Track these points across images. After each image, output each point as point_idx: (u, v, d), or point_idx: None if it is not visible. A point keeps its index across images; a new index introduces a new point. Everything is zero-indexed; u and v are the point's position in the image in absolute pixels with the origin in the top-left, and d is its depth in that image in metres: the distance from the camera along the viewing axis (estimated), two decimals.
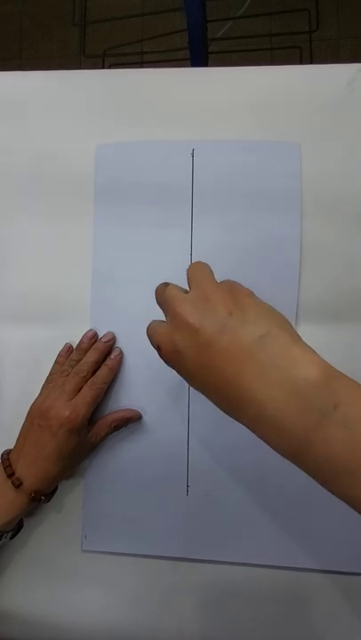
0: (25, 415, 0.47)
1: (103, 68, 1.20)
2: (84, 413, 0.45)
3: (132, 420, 0.48)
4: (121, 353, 0.49)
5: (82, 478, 0.49)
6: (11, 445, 0.47)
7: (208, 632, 0.47)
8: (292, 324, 0.47)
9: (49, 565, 0.49)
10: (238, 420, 0.32)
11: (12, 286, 0.52)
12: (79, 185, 0.51)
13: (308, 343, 0.47)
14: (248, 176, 0.49)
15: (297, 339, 0.32)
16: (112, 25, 1.40)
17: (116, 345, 0.49)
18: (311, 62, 1.20)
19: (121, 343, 0.49)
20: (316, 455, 0.29)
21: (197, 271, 0.37)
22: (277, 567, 0.47)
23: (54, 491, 0.48)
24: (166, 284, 0.37)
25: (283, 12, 1.39)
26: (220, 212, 0.49)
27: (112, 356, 0.48)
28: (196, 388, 0.34)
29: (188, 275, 0.37)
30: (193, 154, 0.50)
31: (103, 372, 0.48)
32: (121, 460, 0.49)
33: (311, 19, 1.14)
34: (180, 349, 0.33)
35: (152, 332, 0.36)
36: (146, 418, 0.49)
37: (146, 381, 0.49)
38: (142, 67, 0.62)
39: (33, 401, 0.47)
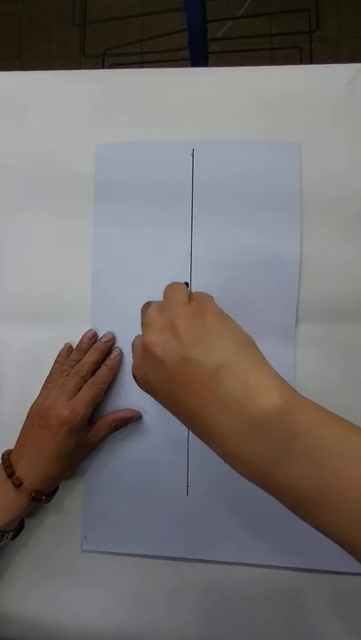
0: (25, 415, 0.47)
1: (103, 67, 1.20)
2: (83, 413, 0.45)
3: (132, 420, 0.48)
4: (121, 353, 0.49)
5: (82, 478, 0.49)
6: (11, 445, 0.47)
7: (208, 632, 0.47)
8: (293, 324, 0.48)
9: (49, 565, 0.49)
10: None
11: (12, 286, 0.52)
12: (79, 185, 0.51)
13: (309, 343, 0.48)
14: (248, 176, 0.49)
15: (256, 365, 0.32)
16: (112, 25, 1.40)
17: (116, 345, 0.49)
18: (311, 62, 1.20)
19: (121, 343, 0.49)
20: (278, 486, 0.29)
21: (170, 293, 0.38)
22: (277, 567, 0.47)
23: (55, 491, 0.48)
24: (148, 305, 0.39)
25: (283, 12, 1.39)
26: (220, 212, 0.49)
27: (112, 356, 0.48)
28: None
29: (164, 293, 0.39)
30: (193, 154, 0.50)
31: (103, 371, 0.48)
32: (121, 460, 0.49)
33: (311, 19, 1.14)
34: (150, 382, 0.35)
35: (134, 362, 0.38)
36: (146, 418, 0.49)
37: None
38: (142, 67, 0.62)
39: (33, 401, 0.47)
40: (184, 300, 0.36)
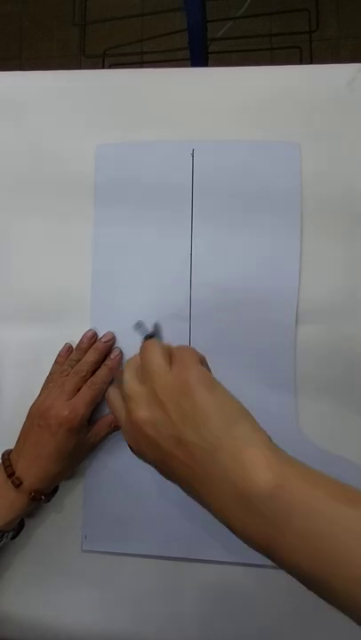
0: (25, 415, 0.47)
1: (103, 67, 1.20)
2: (83, 413, 0.45)
3: None
4: (121, 353, 0.49)
5: (82, 478, 0.49)
6: (11, 445, 0.47)
7: (208, 632, 0.47)
8: (293, 324, 0.48)
9: (49, 565, 0.49)
10: None
11: (12, 286, 0.52)
12: (79, 185, 0.51)
13: (308, 343, 0.47)
14: (248, 176, 0.49)
15: (249, 440, 0.32)
16: (112, 25, 1.40)
17: (116, 345, 0.49)
18: (311, 62, 1.20)
19: (121, 343, 0.49)
20: (280, 559, 0.29)
21: (146, 358, 0.36)
22: (277, 567, 0.47)
23: (55, 490, 0.48)
24: (125, 371, 0.37)
25: (283, 12, 1.39)
26: (220, 212, 0.49)
27: (112, 356, 0.48)
28: None
29: (140, 355, 0.37)
30: (193, 154, 0.50)
31: (103, 371, 0.48)
32: (121, 460, 0.49)
33: (311, 19, 1.14)
34: (147, 458, 0.35)
35: (121, 428, 0.37)
36: None
37: None
38: (142, 67, 0.63)
39: (33, 401, 0.47)
40: (164, 366, 0.35)
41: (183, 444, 0.32)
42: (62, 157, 0.52)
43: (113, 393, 0.39)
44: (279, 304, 0.48)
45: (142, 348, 0.37)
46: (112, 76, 0.54)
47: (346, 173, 0.49)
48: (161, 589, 0.48)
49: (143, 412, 0.34)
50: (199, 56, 0.94)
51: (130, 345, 0.49)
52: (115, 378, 0.47)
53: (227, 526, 0.31)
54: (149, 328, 0.41)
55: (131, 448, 0.37)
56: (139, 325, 0.41)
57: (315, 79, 0.50)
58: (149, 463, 0.36)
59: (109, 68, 1.19)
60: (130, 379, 0.36)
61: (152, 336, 0.40)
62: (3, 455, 0.47)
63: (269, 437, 0.32)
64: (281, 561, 0.29)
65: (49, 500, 0.47)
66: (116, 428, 0.48)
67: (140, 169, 0.51)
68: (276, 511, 0.29)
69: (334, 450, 0.46)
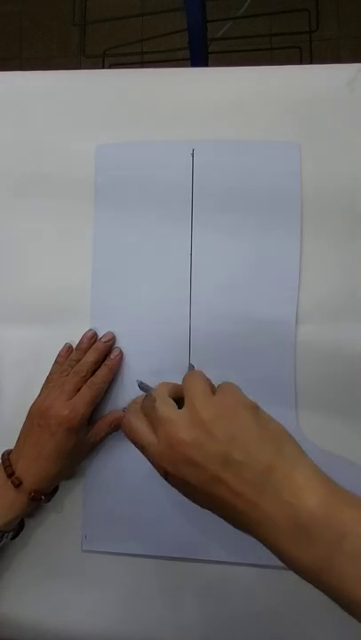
0: (25, 415, 0.47)
1: (103, 67, 1.20)
2: (82, 413, 0.45)
3: None
4: (121, 353, 0.49)
5: (82, 478, 0.49)
6: (11, 445, 0.47)
7: (208, 632, 0.47)
8: (293, 324, 0.48)
9: (49, 565, 0.49)
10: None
11: (12, 286, 0.52)
12: (79, 185, 0.51)
13: (308, 343, 0.47)
14: (248, 176, 0.49)
15: (298, 462, 0.32)
16: (112, 25, 1.40)
17: (116, 345, 0.49)
18: (311, 62, 1.20)
19: (121, 343, 0.49)
20: (329, 586, 0.29)
21: (190, 383, 0.36)
22: (277, 567, 0.47)
23: (55, 490, 0.48)
24: (151, 396, 0.37)
25: (283, 12, 1.39)
26: (220, 212, 0.49)
27: (112, 356, 0.48)
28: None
29: (183, 385, 0.37)
30: (193, 154, 0.50)
31: (103, 371, 0.48)
32: (121, 460, 0.49)
33: (311, 19, 1.14)
34: (189, 483, 0.33)
35: (150, 453, 0.36)
36: None
37: (145, 381, 0.48)
38: (142, 67, 0.63)
39: (33, 401, 0.47)
40: (208, 392, 0.35)
41: (232, 465, 0.31)
42: (62, 157, 0.52)
43: (136, 419, 0.37)
44: (279, 304, 0.48)
45: (186, 376, 0.37)
46: (112, 76, 0.54)
47: (346, 173, 0.49)
48: (161, 589, 0.48)
49: (185, 433, 0.33)
50: (199, 56, 0.94)
51: (130, 345, 0.49)
52: (132, 405, 0.42)
53: (276, 550, 0.30)
54: (151, 386, 0.41)
55: (166, 475, 0.35)
56: (141, 386, 0.42)
57: (315, 79, 0.50)
58: (185, 488, 0.34)
59: (109, 67, 1.19)
60: (163, 404, 0.35)
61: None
62: (2, 455, 0.47)
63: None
64: (328, 585, 0.29)
65: (49, 500, 0.47)
66: (116, 427, 0.48)
67: (140, 169, 0.51)
68: (330, 531, 0.28)
69: (334, 450, 0.46)
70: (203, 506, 0.34)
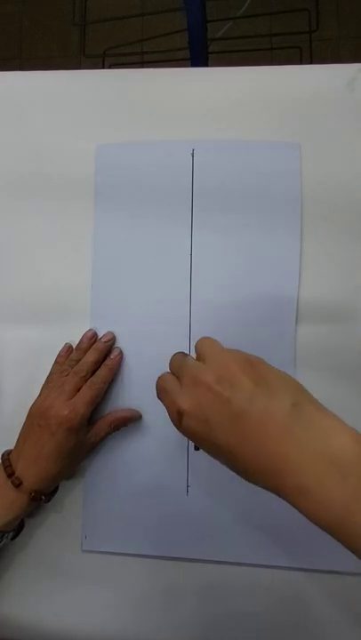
0: (25, 415, 0.47)
1: (103, 67, 1.20)
2: (82, 413, 0.45)
3: (131, 420, 0.48)
4: (121, 353, 0.49)
5: (82, 478, 0.49)
6: (11, 445, 0.47)
7: (208, 632, 0.47)
8: (293, 324, 0.48)
9: (49, 565, 0.49)
10: (274, 491, 0.31)
11: (11, 286, 0.52)
12: (79, 185, 0.51)
13: (309, 343, 0.47)
14: (248, 176, 0.49)
15: (320, 407, 0.32)
16: (112, 25, 1.40)
17: (116, 345, 0.49)
18: (311, 62, 1.20)
19: (121, 343, 0.49)
20: (355, 525, 0.28)
21: (208, 344, 0.36)
22: (277, 567, 0.47)
23: (55, 490, 0.48)
24: (179, 353, 0.38)
25: (283, 12, 1.39)
26: (220, 212, 0.49)
27: (112, 356, 0.48)
28: (223, 460, 0.33)
29: (197, 349, 0.37)
30: (193, 154, 0.50)
31: (103, 371, 0.48)
32: (121, 460, 0.49)
33: (311, 19, 1.14)
34: (209, 420, 0.32)
35: (171, 397, 0.35)
36: (146, 418, 0.49)
37: (146, 381, 0.48)
38: (142, 67, 0.62)
39: (33, 401, 0.47)
40: (225, 348, 0.36)
41: (259, 399, 0.31)
42: (62, 157, 0.52)
43: (165, 373, 0.38)
44: (279, 304, 0.48)
45: (199, 341, 0.37)
46: (112, 76, 0.54)
47: (346, 173, 0.49)
48: (161, 589, 0.48)
49: (213, 374, 0.33)
50: (199, 56, 0.94)
51: (130, 345, 0.49)
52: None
53: (301, 491, 0.29)
54: None
55: (181, 419, 0.33)
56: None
57: (315, 79, 0.50)
58: (206, 429, 0.32)
59: (109, 67, 1.19)
60: (190, 358, 0.36)
61: None
62: (2, 455, 0.47)
63: None
64: (354, 525, 0.28)
65: (49, 500, 0.47)
66: (116, 427, 0.48)
67: (140, 169, 0.51)
68: None
69: None
70: (215, 452, 0.33)
